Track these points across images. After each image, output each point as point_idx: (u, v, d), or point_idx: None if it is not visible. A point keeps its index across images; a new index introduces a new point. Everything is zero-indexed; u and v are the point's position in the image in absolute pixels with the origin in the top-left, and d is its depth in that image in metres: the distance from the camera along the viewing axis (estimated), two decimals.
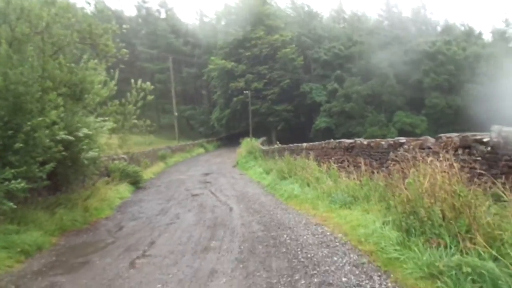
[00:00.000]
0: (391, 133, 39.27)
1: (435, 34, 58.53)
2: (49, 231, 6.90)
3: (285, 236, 6.25)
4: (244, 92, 44.32)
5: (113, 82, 9.92)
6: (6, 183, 5.81)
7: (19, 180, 5.90)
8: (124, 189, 12.69)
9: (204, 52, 59.15)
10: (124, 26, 10.41)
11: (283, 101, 47.19)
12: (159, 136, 45.52)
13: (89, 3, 24.53)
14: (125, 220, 8.72)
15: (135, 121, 10.81)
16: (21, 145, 6.18)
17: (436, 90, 46.77)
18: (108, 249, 6.19)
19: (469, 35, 58.60)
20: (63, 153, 7.25)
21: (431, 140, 6.10)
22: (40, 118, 6.48)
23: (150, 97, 10.75)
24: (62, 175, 8.50)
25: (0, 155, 6.15)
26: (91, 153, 8.63)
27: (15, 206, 6.01)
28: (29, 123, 6.32)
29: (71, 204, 8.44)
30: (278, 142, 23.20)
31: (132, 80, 10.66)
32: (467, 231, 3.75)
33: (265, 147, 24.70)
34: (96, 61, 9.39)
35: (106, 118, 9.79)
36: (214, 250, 5.70)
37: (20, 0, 7.17)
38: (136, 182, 14.39)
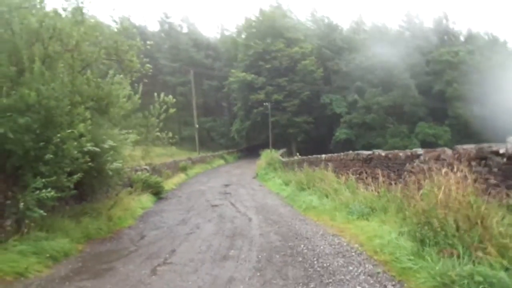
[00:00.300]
0: (413, 144, 38.53)
1: (458, 44, 57.40)
2: (75, 239, 7.19)
3: (302, 246, 6.35)
4: (264, 104, 44.53)
5: (137, 96, 10.30)
6: (37, 192, 6.16)
7: (49, 189, 6.25)
8: (146, 199, 12.99)
9: (224, 65, 59.91)
10: (148, 42, 10.83)
11: (303, 113, 47.24)
12: (180, 148, 46.11)
13: (115, 21, 25.39)
14: (147, 229, 8.98)
15: (158, 133, 11.14)
16: (51, 156, 6.51)
17: (459, 100, 45.77)
18: (131, 257, 6.42)
19: (494, 44, 57.19)
20: (90, 164, 7.57)
21: (448, 151, 6.10)
22: (69, 131, 6.82)
23: (172, 110, 11.06)
24: (88, 185, 8.84)
25: (32, 165, 6.51)
26: (115, 164, 8.96)
27: (45, 214, 6.37)
28: (58, 135, 6.65)
29: (96, 213, 8.74)
30: (298, 154, 23.23)
31: (155, 94, 11.02)
32: (480, 242, 3.78)
33: (284, 159, 24.76)
34: (121, 76, 9.80)
35: (130, 131, 10.16)
36: (233, 259, 5.85)
37: (52, 20, 7.61)
38: (157, 193, 14.69)
